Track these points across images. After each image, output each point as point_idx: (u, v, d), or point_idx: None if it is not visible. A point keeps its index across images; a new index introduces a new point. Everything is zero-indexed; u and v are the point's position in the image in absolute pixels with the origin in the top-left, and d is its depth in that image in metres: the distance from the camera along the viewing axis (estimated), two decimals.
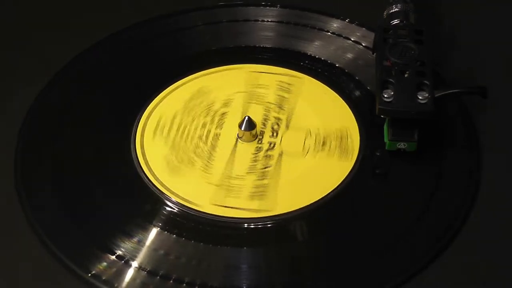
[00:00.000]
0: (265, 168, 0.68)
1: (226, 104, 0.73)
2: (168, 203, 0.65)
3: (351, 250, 0.63)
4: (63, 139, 0.71)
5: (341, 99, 0.73)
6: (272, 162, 0.68)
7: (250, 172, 0.67)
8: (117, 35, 0.80)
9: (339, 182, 0.66)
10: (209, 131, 0.70)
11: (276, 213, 0.65)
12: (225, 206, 0.65)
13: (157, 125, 0.71)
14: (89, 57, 0.78)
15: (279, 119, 0.71)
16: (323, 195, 0.65)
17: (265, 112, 0.72)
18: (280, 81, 0.74)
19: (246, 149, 0.69)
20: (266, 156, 0.68)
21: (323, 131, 0.70)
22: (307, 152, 0.69)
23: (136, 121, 0.71)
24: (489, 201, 0.66)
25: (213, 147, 0.69)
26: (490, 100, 0.68)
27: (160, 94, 0.74)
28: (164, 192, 0.66)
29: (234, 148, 0.69)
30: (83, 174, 0.68)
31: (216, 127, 0.71)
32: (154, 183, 0.67)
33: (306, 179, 0.67)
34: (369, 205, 0.66)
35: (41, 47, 0.79)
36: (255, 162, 0.68)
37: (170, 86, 0.74)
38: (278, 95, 0.73)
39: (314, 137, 0.70)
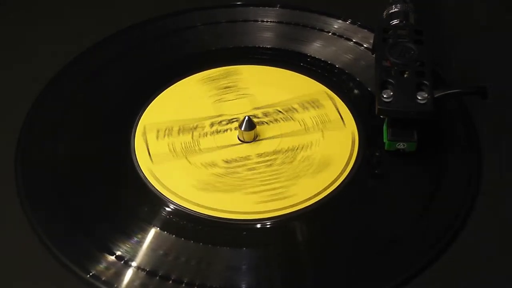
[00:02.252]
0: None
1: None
2: (168, 203, 0.65)
3: (351, 250, 0.63)
4: (63, 139, 0.71)
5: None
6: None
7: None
8: (117, 35, 0.80)
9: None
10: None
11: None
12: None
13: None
14: (89, 58, 0.78)
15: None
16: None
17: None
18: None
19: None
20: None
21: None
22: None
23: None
24: (489, 201, 0.66)
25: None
26: (490, 100, 0.68)
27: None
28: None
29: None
30: (83, 174, 0.68)
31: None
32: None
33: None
34: (369, 206, 0.66)
35: (41, 47, 0.79)
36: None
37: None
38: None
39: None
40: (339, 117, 0.71)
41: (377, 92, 0.67)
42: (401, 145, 0.67)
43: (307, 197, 0.66)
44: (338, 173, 0.67)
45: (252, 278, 0.61)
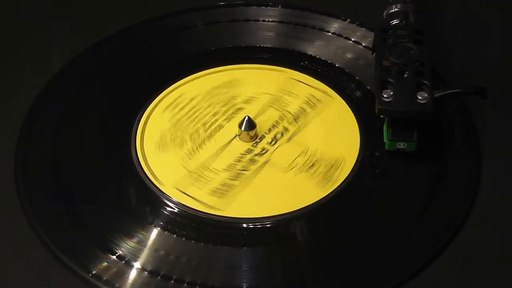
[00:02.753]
0: (242, 170, 0.68)
1: (248, 100, 0.73)
2: (169, 203, 0.65)
3: (351, 250, 0.63)
4: (63, 139, 0.71)
5: (357, 126, 0.70)
6: (253, 167, 0.68)
7: (226, 170, 0.68)
8: (118, 35, 0.80)
9: (300, 207, 0.65)
10: (216, 121, 0.71)
11: (226, 215, 0.65)
12: (185, 193, 0.66)
13: (173, 101, 0.72)
14: (89, 57, 0.78)
15: (287, 129, 0.71)
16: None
17: (278, 120, 0.71)
18: (311, 94, 0.73)
19: (238, 147, 0.69)
20: (251, 160, 0.68)
21: (319, 154, 0.69)
22: (291, 169, 0.68)
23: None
24: (489, 201, 0.66)
25: (210, 136, 0.70)
26: (490, 100, 0.68)
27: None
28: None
29: (228, 143, 0.69)
30: (83, 174, 0.68)
31: (225, 119, 0.71)
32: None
33: (275, 192, 0.66)
34: (369, 205, 0.66)
35: (41, 47, 0.79)
36: (238, 162, 0.68)
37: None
38: (301, 107, 0.72)
39: (307, 157, 0.69)
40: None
41: (377, 92, 0.67)
42: (401, 145, 0.67)
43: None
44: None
45: (253, 277, 0.61)
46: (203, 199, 0.66)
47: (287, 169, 0.68)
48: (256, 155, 0.69)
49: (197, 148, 0.69)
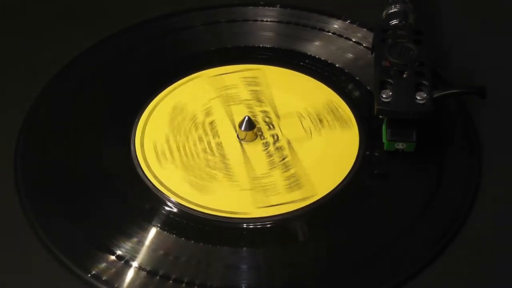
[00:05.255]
0: (283, 159, 0.68)
1: (207, 113, 0.72)
2: (168, 202, 0.66)
3: (351, 250, 0.63)
4: (63, 140, 0.71)
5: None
6: (286, 152, 0.68)
7: (272, 168, 0.67)
8: (117, 35, 0.80)
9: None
10: (209, 143, 0.70)
11: (320, 196, 0.65)
12: (271, 206, 0.65)
13: (156, 152, 0.69)
14: (88, 58, 0.78)
15: (265, 111, 0.71)
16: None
17: (248, 109, 0.72)
18: (244, 77, 0.75)
19: (254, 148, 0.69)
20: (276, 148, 0.69)
21: (312, 110, 0.71)
22: (311, 133, 0.69)
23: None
24: (489, 201, 0.66)
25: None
26: (490, 100, 0.68)
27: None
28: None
29: (242, 150, 0.69)
30: (82, 174, 0.68)
31: (213, 136, 0.71)
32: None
33: (327, 156, 0.68)
34: (368, 205, 0.66)
35: (42, 48, 0.79)
36: (271, 157, 0.68)
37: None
38: (250, 91, 0.73)
39: (308, 118, 0.70)
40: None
41: (376, 92, 0.67)
42: (400, 145, 0.67)
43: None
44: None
45: (252, 277, 0.61)
46: (290, 199, 0.66)
47: (308, 136, 0.69)
48: (275, 143, 0.69)
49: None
